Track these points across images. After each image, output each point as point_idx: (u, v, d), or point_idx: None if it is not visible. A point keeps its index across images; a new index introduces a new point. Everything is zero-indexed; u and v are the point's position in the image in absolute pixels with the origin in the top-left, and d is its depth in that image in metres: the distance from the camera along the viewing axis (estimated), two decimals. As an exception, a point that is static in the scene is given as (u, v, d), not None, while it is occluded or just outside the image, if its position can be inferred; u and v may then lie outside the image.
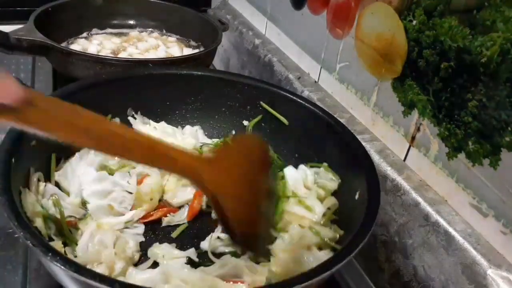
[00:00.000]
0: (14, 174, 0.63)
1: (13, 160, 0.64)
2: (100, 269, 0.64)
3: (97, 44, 1.27)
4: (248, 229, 0.55)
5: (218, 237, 0.74)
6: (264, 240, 0.62)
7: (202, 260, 0.72)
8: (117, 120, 0.89)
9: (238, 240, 0.57)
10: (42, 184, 0.73)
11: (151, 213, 0.79)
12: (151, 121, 0.92)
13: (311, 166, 0.86)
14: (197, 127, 0.96)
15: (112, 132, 0.48)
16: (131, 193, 0.76)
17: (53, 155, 0.77)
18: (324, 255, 0.69)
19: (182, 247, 0.73)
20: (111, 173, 0.78)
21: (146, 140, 0.49)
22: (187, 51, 1.29)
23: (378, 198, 0.67)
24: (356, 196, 0.72)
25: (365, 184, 0.70)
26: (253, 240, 0.58)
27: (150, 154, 0.48)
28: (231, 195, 0.53)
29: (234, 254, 0.69)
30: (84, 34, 1.33)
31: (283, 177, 0.84)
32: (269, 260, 0.68)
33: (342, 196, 0.78)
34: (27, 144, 0.70)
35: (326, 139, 0.85)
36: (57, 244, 0.65)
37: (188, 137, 0.92)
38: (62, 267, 0.50)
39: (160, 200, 0.81)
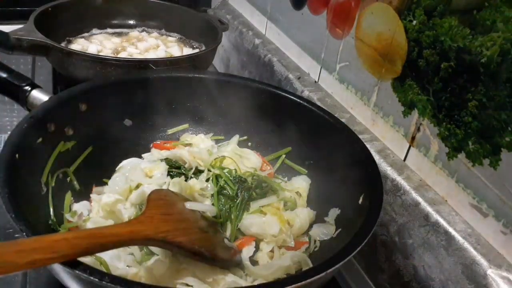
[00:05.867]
0: (17, 169, 0.63)
1: (17, 155, 0.64)
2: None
3: (97, 44, 1.27)
4: (204, 246, 0.67)
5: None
6: (224, 250, 0.71)
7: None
8: (129, 122, 0.90)
9: (209, 260, 0.67)
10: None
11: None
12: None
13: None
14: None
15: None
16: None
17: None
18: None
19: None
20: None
21: (86, 234, 0.55)
22: (187, 51, 1.29)
23: (380, 202, 0.67)
24: (360, 201, 0.72)
25: (369, 188, 0.70)
26: (217, 253, 0.69)
27: (96, 242, 0.53)
28: (174, 231, 0.63)
29: None
30: (84, 34, 1.33)
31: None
32: (241, 269, 0.72)
33: (345, 200, 0.78)
34: (33, 141, 0.71)
35: (328, 141, 0.85)
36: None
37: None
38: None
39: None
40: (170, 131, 0.96)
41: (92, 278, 0.49)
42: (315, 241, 0.79)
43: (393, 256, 0.81)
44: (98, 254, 0.64)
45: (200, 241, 0.67)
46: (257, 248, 0.77)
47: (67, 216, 0.74)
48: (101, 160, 0.85)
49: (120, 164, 0.87)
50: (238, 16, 1.46)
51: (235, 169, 0.86)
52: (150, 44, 1.30)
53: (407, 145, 0.83)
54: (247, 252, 0.75)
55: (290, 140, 0.92)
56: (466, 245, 0.68)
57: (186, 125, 0.97)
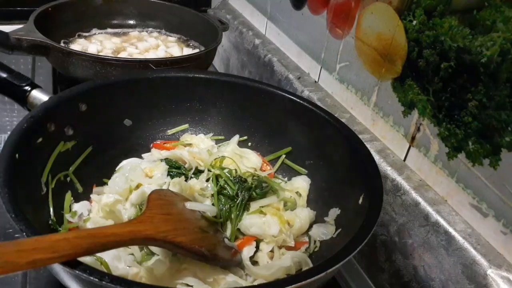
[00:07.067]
0: (17, 169, 0.63)
1: (17, 155, 0.64)
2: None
3: (97, 44, 1.27)
4: (204, 245, 0.67)
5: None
6: (224, 250, 0.71)
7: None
8: (129, 122, 0.90)
9: (210, 260, 0.67)
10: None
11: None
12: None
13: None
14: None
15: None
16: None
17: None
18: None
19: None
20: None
21: (87, 233, 0.54)
22: (187, 51, 1.29)
23: (380, 202, 0.67)
24: (360, 201, 0.72)
25: (369, 188, 0.70)
26: (217, 253, 0.69)
27: (96, 242, 0.52)
28: (174, 231, 0.63)
29: None
30: (84, 34, 1.33)
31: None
32: (242, 268, 0.73)
33: (345, 200, 0.78)
34: (33, 141, 0.71)
35: (328, 141, 0.84)
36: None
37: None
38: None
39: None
40: (170, 131, 0.96)
41: (92, 278, 0.49)
42: (315, 241, 0.79)
43: (393, 256, 0.81)
44: (98, 255, 0.64)
45: (201, 241, 0.67)
46: (257, 248, 0.77)
47: (67, 216, 0.74)
48: (101, 160, 0.85)
49: (120, 164, 0.87)
50: (238, 16, 1.46)
51: (235, 169, 0.86)
52: (150, 44, 1.31)
53: (407, 145, 0.83)
54: (247, 252, 0.75)
55: (290, 140, 0.92)
56: (466, 245, 0.68)
57: (186, 125, 0.96)
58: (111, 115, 0.87)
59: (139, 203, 0.78)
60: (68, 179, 0.79)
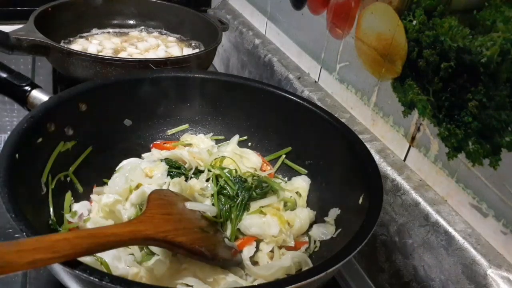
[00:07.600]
0: (17, 169, 0.63)
1: (17, 155, 0.64)
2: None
3: (97, 44, 1.27)
4: (205, 245, 0.67)
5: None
6: (224, 250, 0.72)
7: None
8: (129, 122, 0.90)
9: (210, 260, 0.67)
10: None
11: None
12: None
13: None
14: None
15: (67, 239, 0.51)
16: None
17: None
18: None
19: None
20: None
21: (87, 233, 0.54)
22: (187, 51, 1.29)
23: (380, 203, 0.67)
24: (360, 201, 0.72)
25: (369, 188, 0.70)
26: (217, 253, 0.69)
27: (96, 242, 0.52)
28: (174, 231, 0.63)
29: None
30: (84, 34, 1.33)
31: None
32: (242, 268, 0.73)
33: (345, 200, 0.78)
34: (33, 141, 0.71)
35: (328, 141, 0.84)
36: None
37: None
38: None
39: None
40: (170, 131, 0.96)
41: (92, 278, 0.49)
42: (315, 241, 0.79)
43: (393, 256, 0.81)
44: (98, 255, 0.64)
45: (201, 240, 0.67)
46: (257, 248, 0.77)
47: (67, 216, 0.74)
48: (101, 160, 0.85)
49: (120, 164, 0.87)
50: (238, 16, 1.46)
51: (235, 169, 0.86)
52: (150, 44, 1.31)
53: (407, 145, 0.83)
54: (247, 252, 0.75)
55: (290, 140, 0.92)
56: (466, 245, 0.68)
57: (186, 125, 0.97)
58: (111, 115, 0.87)
59: (139, 203, 0.78)
60: (68, 179, 0.79)
